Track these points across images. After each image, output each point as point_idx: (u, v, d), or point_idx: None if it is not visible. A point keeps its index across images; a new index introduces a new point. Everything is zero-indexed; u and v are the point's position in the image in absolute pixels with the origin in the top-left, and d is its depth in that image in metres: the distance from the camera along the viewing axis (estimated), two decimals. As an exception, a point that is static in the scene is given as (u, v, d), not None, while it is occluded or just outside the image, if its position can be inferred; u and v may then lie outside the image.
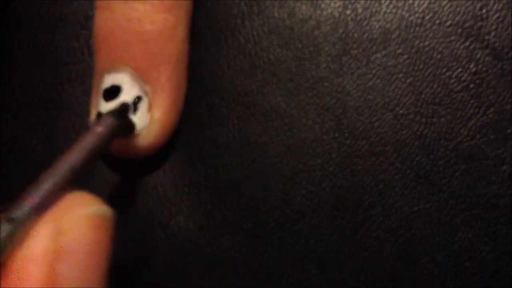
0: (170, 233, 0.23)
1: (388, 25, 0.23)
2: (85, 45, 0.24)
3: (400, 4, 0.23)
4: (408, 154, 0.23)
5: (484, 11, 0.23)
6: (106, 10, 0.22)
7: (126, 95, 0.22)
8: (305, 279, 0.23)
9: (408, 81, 0.23)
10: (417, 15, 0.23)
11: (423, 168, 0.23)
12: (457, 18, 0.23)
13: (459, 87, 0.23)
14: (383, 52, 0.23)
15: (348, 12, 0.23)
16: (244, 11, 0.24)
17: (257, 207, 0.23)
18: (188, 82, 0.23)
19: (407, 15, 0.23)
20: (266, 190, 0.23)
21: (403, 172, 0.23)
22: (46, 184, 0.17)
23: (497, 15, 0.23)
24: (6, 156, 0.24)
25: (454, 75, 0.23)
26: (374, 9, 0.23)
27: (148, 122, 0.22)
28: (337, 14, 0.24)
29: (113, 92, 0.22)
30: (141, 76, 0.22)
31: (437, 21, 0.23)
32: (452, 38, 0.23)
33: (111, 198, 0.23)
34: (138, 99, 0.22)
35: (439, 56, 0.23)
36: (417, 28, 0.23)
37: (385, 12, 0.23)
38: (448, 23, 0.23)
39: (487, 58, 0.23)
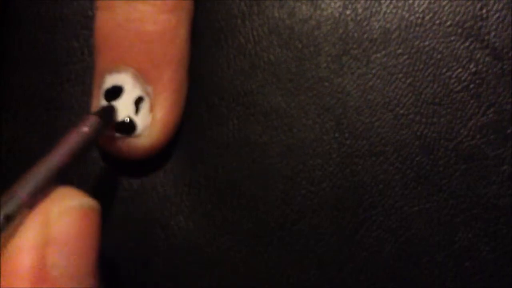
0: (170, 233, 0.23)
1: (388, 25, 0.23)
2: (85, 45, 0.24)
3: (400, 4, 0.23)
4: (408, 154, 0.23)
5: (484, 11, 0.23)
6: (107, 10, 0.22)
7: (128, 96, 0.22)
8: (305, 279, 0.23)
9: (408, 81, 0.23)
10: (417, 15, 0.23)
11: (423, 168, 0.23)
12: (457, 18, 0.23)
13: (459, 87, 0.23)
14: (383, 52, 0.23)
15: (348, 12, 0.23)
16: (244, 11, 0.24)
17: (257, 207, 0.23)
18: (188, 82, 0.24)
19: (407, 15, 0.23)
20: (266, 190, 0.23)
21: (403, 172, 0.23)
22: (33, 181, 0.18)
23: (497, 15, 0.23)
24: (6, 156, 0.24)
25: (454, 75, 0.23)
26: (374, 9, 0.23)
27: (149, 123, 0.22)
28: (337, 14, 0.23)
29: (114, 92, 0.22)
30: (143, 76, 0.22)
31: (437, 21, 0.23)
32: (452, 38, 0.23)
33: (111, 198, 0.23)
34: (140, 100, 0.22)
35: (439, 56, 0.23)
36: (417, 28, 0.23)
37: (385, 12, 0.23)
38: (448, 23, 0.23)
39: (487, 58, 0.23)
